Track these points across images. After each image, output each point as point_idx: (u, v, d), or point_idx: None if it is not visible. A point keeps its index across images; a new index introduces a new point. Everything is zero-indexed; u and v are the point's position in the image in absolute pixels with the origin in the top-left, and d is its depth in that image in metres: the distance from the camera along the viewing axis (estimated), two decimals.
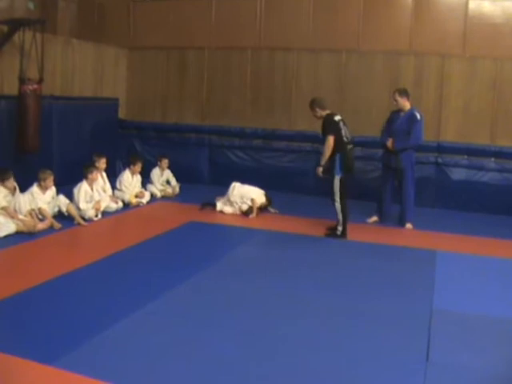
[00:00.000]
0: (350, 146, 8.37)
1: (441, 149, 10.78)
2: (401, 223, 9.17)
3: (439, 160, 10.76)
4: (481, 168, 10.60)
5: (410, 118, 8.94)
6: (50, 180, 8.26)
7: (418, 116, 8.94)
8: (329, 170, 8.21)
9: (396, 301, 5.87)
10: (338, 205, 8.24)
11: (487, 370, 4.40)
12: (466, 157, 10.72)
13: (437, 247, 7.88)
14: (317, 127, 10.94)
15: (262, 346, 4.62)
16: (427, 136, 10.68)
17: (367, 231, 8.79)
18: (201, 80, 12.37)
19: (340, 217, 8.28)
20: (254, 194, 9.45)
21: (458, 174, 10.66)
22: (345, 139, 8.22)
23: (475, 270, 7.08)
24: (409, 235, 8.62)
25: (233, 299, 5.70)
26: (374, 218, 9.37)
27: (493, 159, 10.58)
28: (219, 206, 9.55)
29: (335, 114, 8.38)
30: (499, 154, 10.55)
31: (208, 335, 4.76)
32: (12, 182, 7.89)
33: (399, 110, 9.05)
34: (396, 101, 9.03)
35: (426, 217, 9.94)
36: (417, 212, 9.60)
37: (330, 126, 8.23)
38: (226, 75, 12.18)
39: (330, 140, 8.10)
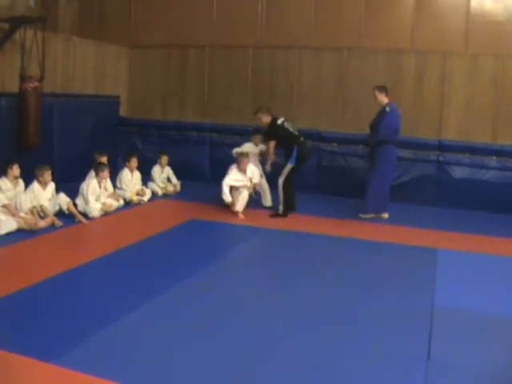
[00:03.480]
0: (302, 138, 9.47)
1: (442, 147, 10.76)
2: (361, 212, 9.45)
3: (441, 158, 10.74)
4: (482, 166, 10.58)
5: (381, 113, 9.16)
6: (48, 174, 8.26)
7: (388, 109, 9.12)
8: (275, 165, 9.63)
9: (397, 299, 5.86)
10: (280, 184, 9.30)
11: (488, 369, 4.40)
12: (467, 155, 10.69)
13: (438, 245, 7.87)
14: (318, 125, 11.01)
15: (262, 345, 4.62)
16: (428, 134, 10.77)
17: (366, 229, 8.78)
18: (202, 78, 12.37)
19: (281, 196, 9.31)
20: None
21: (459, 173, 10.63)
22: (295, 133, 9.45)
23: (477, 268, 7.07)
24: (410, 233, 8.60)
25: (233, 298, 5.71)
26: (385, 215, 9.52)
27: (494, 157, 10.54)
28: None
29: (278, 118, 9.59)
30: (501, 152, 10.53)
31: (208, 334, 4.76)
32: (17, 169, 8.03)
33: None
34: (375, 96, 9.27)
35: (428, 215, 9.97)
36: (417, 210, 9.62)
37: (273, 131, 9.54)
38: (227, 73, 12.17)
39: (271, 144, 9.52)
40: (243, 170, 9.20)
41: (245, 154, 9.33)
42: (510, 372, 4.37)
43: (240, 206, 9.12)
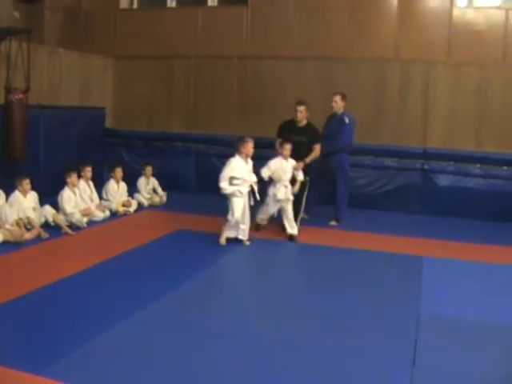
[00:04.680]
0: None
1: (427, 155, 10.84)
2: (331, 220, 9.52)
3: (425, 166, 10.82)
4: (467, 174, 10.67)
5: (340, 122, 9.22)
6: (27, 183, 8.24)
7: (347, 120, 9.21)
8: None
9: (383, 306, 5.90)
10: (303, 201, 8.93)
11: (474, 375, 4.43)
12: (452, 163, 10.79)
13: (424, 253, 7.92)
14: None
15: (247, 353, 4.63)
16: (413, 143, 10.83)
17: (351, 237, 8.82)
18: (187, 89, 12.40)
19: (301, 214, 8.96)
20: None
21: (444, 181, 10.72)
22: None
23: (462, 275, 7.13)
24: (396, 241, 8.65)
25: (221, 308, 5.74)
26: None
27: (478, 165, 10.65)
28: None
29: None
30: (485, 159, 10.63)
31: (196, 342, 4.76)
32: None
33: (334, 114, 9.34)
34: (336, 102, 9.29)
35: (413, 223, 10.02)
36: (403, 218, 9.68)
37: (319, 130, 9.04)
38: (212, 84, 12.20)
39: (318, 149, 8.83)
40: (246, 156, 7.96)
41: (249, 138, 8.12)
42: (496, 377, 4.40)
43: (225, 232, 8.05)
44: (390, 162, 10.89)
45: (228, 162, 7.94)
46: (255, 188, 8.01)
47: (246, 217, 8.00)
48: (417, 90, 11.09)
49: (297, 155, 8.45)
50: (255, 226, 8.68)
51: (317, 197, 9.65)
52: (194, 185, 12.09)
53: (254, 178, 8.09)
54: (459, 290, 6.49)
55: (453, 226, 9.87)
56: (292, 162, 8.41)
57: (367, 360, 4.61)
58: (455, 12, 10.96)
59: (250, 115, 11.80)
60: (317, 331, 5.18)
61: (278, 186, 8.33)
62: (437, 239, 8.83)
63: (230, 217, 7.90)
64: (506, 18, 10.76)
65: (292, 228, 8.42)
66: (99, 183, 9.95)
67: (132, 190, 10.44)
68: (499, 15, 10.80)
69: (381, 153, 11.00)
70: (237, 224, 7.95)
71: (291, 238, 8.39)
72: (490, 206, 10.36)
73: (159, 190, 10.88)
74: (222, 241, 7.96)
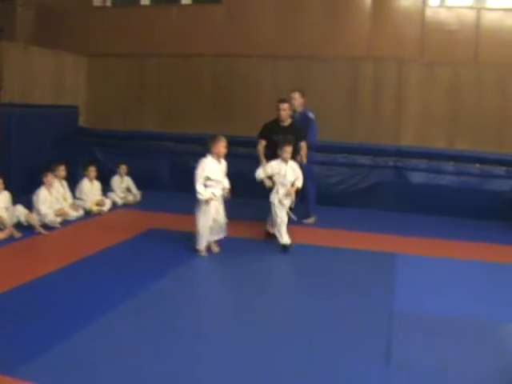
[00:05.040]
0: None
1: (400, 153, 10.92)
2: (303, 218, 9.36)
3: (398, 164, 10.90)
4: (439, 172, 10.78)
5: (303, 119, 9.14)
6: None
7: (311, 115, 9.21)
8: None
9: (357, 303, 5.93)
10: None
11: (448, 370, 4.48)
12: (425, 161, 10.88)
13: (397, 250, 7.98)
14: None
15: (223, 353, 4.63)
16: (386, 140, 10.90)
17: (325, 235, 8.85)
18: (161, 87, 12.36)
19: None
20: None
21: (417, 178, 10.81)
22: None
23: (435, 272, 7.19)
24: (369, 239, 8.70)
25: (192, 306, 5.72)
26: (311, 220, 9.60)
27: (451, 163, 10.76)
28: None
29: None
30: (457, 157, 10.75)
31: (169, 343, 4.75)
32: None
33: (293, 112, 9.13)
34: (295, 99, 9.16)
35: (386, 220, 10.07)
36: (376, 215, 9.75)
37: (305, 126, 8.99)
38: (186, 82, 12.18)
39: (304, 147, 8.67)
40: (217, 156, 7.37)
41: (220, 136, 7.45)
42: (469, 372, 4.46)
43: (203, 231, 7.42)
44: (363, 159, 10.97)
45: (200, 163, 7.32)
46: (227, 191, 7.47)
47: (218, 222, 7.42)
48: (390, 89, 11.18)
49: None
50: (266, 235, 8.27)
51: None
52: (169, 184, 12.05)
53: (226, 183, 7.48)
54: (432, 287, 6.54)
55: (426, 224, 9.95)
56: (292, 165, 7.85)
57: (341, 357, 4.63)
58: (428, 11, 11.07)
59: (224, 113, 11.81)
60: (291, 329, 5.20)
61: (280, 191, 7.75)
62: (410, 236, 8.90)
63: (200, 223, 7.40)
64: (478, 17, 10.89)
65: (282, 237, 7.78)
66: (73, 182, 9.86)
67: (106, 188, 10.38)
68: (471, 15, 10.92)
69: (354, 151, 11.07)
70: (203, 233, 7.38)
71: (284, 248, 7.74)
72: (462, 204, 10.46)
73: (133, 188, 10.84)
74: (203, 254, 7.46)
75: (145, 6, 12.79)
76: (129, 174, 10.86)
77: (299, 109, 9.22)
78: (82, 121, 12.65)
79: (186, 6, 12.53)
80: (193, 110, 12.12)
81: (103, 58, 12.64)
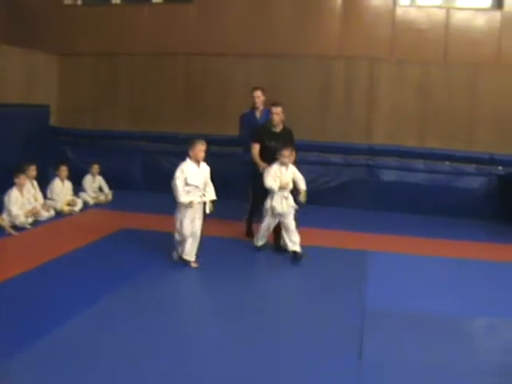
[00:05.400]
0: None
1: (372, 151, 11.00)
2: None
3: (370, 162, 10.98)
4: (411, 169, 10.88)
5: (266, 117, 8.85)
6: None
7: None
8: None
9: (328, 301, 5.98)
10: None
11: (420, 366, 4.54)
12: (396, 159, 10.97)
13: (368, 248, 8.04)
14: None
15: (192, 355, 4.62)
16: (358, 139, 10.98)
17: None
18: (133, 86, 12.30)
19: None
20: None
21: (388, 176, 10.90)
22: None
23: (406, 268, 7.28)
24: (340, 236, 8.74)
25: (164, 307, 5.68)
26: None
27: (422, 161, 10.87)
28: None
29: None
30: (428, 155, 10.87)
31: (139, 344, 4.73)
32: None
33: (253, 110, 9.12)
34: (258, 97, 9.07)
35: (358, 218, 10.13)
36: (348, 213, 9.81)
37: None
38: (158, 81, 12.14)
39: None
40: (196, 160, 6.92)
41: (199, 139, 7.03)
42: (440, 367, 4.51)
43: (190, 246, 6.91)
44: (335, 158, 11.03)
45: (178, 166, 6.89)
46: (207, 199, 6.94)
47: (196, 232, 6.92)
48: (361, 88, 11.26)
49: (272, 161, 7.59)
50: (257, 249, 7.74)
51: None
52: (140, 183, 11.98)
53: (211, 195, 7.04)
54: (404, 284, 6.61)
55: (397, 221, 10.03)
56: (293, 170, 7.54)
57: (314, 354, 4.66)
58: (398, 10, 11.17)
59: (196, 112, 11.80)
60: (264, 328, 5.21)
61: (275, 197, 7.37)
62: (382, 234, 8.98)
63: (178, 232, 6.91)
64: (447, 16, 11.02)
65: (294, 244, 7.33)
66: (44, 182, 9.77)
67: (78, 188, 10.31)
68: (440, 14, 11.05)
69: (326, 149, 11.12)
70: (183, 240, 6.90)
71: (295, 256, 7.28)
72: (433, 201, 10.57)
73: (105, 188, 10.78)
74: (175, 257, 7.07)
75: (116, 5, 12.74)
76: (101, 173, 10.79)
77: (261, 107, 9.20)
78: (53, 120, 12.52)
79: (158, 4, 12.50)
80: (165, 109, 12.08)
81: (74, 56, 12.52)
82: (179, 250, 6.99)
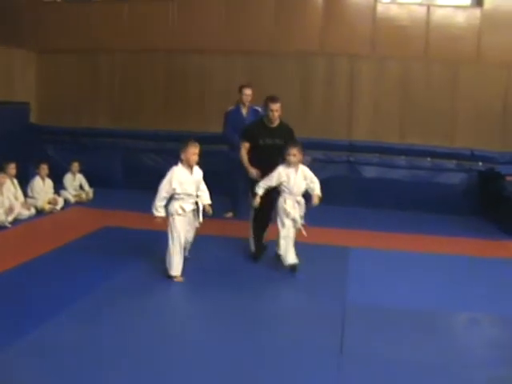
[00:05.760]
0: None
1: (352, 147, 11.04)
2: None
3: (351, 159, 11.02)
4: (391, 166, 10.93)
5: (255, 114, 9.14)
6: None
7: (261, 110, 9.09)
8: None
9: (310, 297, 5.99)
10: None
11: (401, 360, 4.56)
12: (377, 155, 11.03)
13: (350, 244, 8.06)
14: None
15: (179, 358, 4.58)
16: (339, 135, 11.01)
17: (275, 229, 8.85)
18: (113, 83, 12.23)
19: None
20: None
21: (369, 172, 10.94)
22: None
23: (387, 264, 7.30)
24: (322, 233, 8.74)
25: (148, 305, 5.65)
26: (230, 214, 9.60)
27: (403, 157, 10.93)
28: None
29: None
30: (409, 151, 10.93)
31: (121, 343, 4.72)
32: None
33: (239, 106, 9.26)
34: (249, 95, 9.23)
35: (339, 214, 10.12)
36: (329, 210, 9.78)
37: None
38: (138, 78, 12.09)
39: None
40: (188, 165, 6.31)
41: (191, 141, 6.31)
42: (421, 363, 4.54)
43: (175, 260, 6.26)
44: (316, 154, 11.00)
45: (168, 173, 6.28)
46: (200, 206, 6.36)
47: (188, 242, 6.56)
48: (342, 84, 11.29)
49: (269, 161, 6.91)
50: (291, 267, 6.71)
51: None
52: (121, 181, 11.90)
53: (205, 199, 6.46)
54: (385, 279, 6.63)
55: (378, 217, 10.06)
56: (304, 171, 6.76)
57: (295, 349, 4.67)
58: (379, 7, 11.21)
59: (176, 110, 11.78)
60: (245, 323, 5.22)
61: (287, 200, 6.66)
62: (363, 230, 9.01)
63: (170, 242, 6.28)
64: (428, 13, 11.08)
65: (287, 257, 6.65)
66: (25, 180, 9.70)
67: (59, 186, 10.24)
68: (421, 11, 11.11)
69: (307, 146, 11.05)
70: (174, 254, 6.26)
71: (293, 268, 6.66)
72: (414, 197, 10.63)
73: (86, 186, 10.71)
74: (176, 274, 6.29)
75: (96, 2, 12.61)
76: (81, 171, 10.73)
77: (248, 104, 9.24)
78: (33, 118, 12.44)
79: (138, 1, 12.38)
80: (146, 106, 12.03)
81: (54, 54, 12.40)
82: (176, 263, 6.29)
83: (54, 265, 6.73)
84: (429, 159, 10.96)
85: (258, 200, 6.68)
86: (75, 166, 10.64)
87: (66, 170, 10.64)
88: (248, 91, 9.18)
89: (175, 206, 6.21)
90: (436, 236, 8.91)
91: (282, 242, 6.66)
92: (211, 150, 10.77)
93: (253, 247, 7.29)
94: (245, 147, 7.29)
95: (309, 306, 5.76)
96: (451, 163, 10.90)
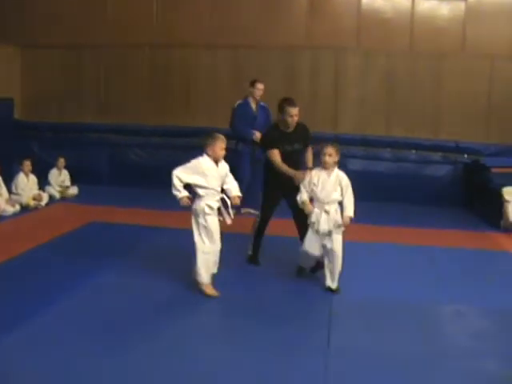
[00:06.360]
0: None
1: (338, 140, 10.95)
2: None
3: None
4: (377, 158, 10.97)
5: (267, 110, 9.31)
6: None
7: (265, 105, 9.36)
8: None
9: (294, 290, 6.01)
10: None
11: (387, 352, 4.58)
12: (362, 148, 11.05)
13: None
14: (215, 123, 11.00)
15: (145, 359, 4.51)
16: (325, 128, 11.00)
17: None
18: (98, 78, 12.14)
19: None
20: None
21: (355, 165, 10.91)
22: None
23: (373, 257, 7.32)
24: None
25: (134, 303, 5.61)
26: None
27: (388, 149, 10.95)
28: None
29: None
30: (394, 144, 10.96)
31: (106, 345, 4.69)
32: None
33: (247, 100, 9.28)
34: (261, 90, 9.30)
35: None
36: None
37: None
38: (123, 73, 12.01)
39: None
40: (214, 159, 5.73)
41: (218, 136, 5.76)
42: (407, 355, 4.55)
43: (202, 265, 5.69)
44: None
45: (191, 161, 5.74)
46: (228, 202, 5.77)
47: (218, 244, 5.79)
48: (327, 77, 11.29)
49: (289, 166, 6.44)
50: (297, 270, 6.40)
51: None
52: (107, 176, 11.84)
53: (235, 190, 5.88)
54: (370, 272, 6.64)
55: (364, 210, 9.94)
56: (341, 178, 5.92)
57: (281, 345, 4.67)
58: (364, 0, 11.18)
59: (161, 104, 11.74)
60: (225, 324, 5.25)
61: (315, 208, 5.88)
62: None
63: (199, 245, 5.68)
64: (413, 6, 11.08)
65: (333, 278, 5.94)
66: (9, 177, 9.63)
67: (44, 182, 10.19)
68: (406, 4, 11.12)
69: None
70: (215, 255, 5.74)
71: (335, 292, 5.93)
72: (400, 189, 10.65)
73: (71, 181, 10.66)
74: (209, 291, 5.69)
75: None
76: (67, 166, 10.67)
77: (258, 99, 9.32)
78: (17, 113, 12.35)
79: None
80: (131, 101, 11.95)
81: (38, 49, 12.30)
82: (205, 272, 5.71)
83: (39, 261, 6.68)
84: (414, 152, 11.01)
85: (310, 207, 5.87)
86: (61, 161, 10.58)
87: (50, 165, 10.58)
88: (261, 86, 9.26)
89: (201, 205, 5.64)
90: (421, 228, 8.95)
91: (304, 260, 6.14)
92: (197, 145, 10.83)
93: (250, 251, 6.86)
94: (276, 155, 6.48)
95: (294, 299, 5.76)
96: (436, 155, 10.96)
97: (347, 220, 5.80)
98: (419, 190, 10.65)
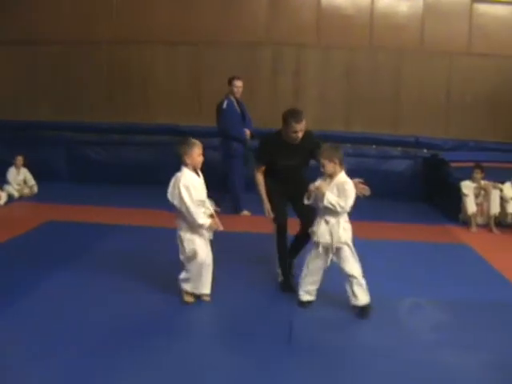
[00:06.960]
0: None
1: None
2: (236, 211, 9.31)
3: None
4: None
5: (244, 107, 9.35)
6: None
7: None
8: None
9: (255, 286, 6.01)
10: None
11: (348, 347, 4.64)
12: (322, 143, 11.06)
13: (294, 232, 8.04)
14: (176, 120, 10.97)
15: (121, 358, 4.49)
16: None
17: (251, 222, 8.88)
18: (55, 75, 11.88)
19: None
20: None
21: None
22: None
23: None
24: (267, 223, 8.71)
25: (93, 299, 5.56)
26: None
27: (348, 145, 11.00)
28: None
29: None
30: (354, 139, 11.04)
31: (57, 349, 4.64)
32: None
33: (229, 99, 9.22)
34: (240, 88, 9.27)
35: None
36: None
37: None
38: (80, 69, 11.79)
39: None
40: (193, 167, 5.36)
41: (194, 142, 5.37)
42: (368, 346, 4.63)
43: (204, 278, 5.47)
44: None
45: (176, 181, 5.27)
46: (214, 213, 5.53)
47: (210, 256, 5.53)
48: (288, 73, 11.32)
49: (289, 184, 6.04)
50: (298, 303, 5.53)
51: None
52: (65, 174, 11.69)
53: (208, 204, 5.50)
54: (330, 266, 6.65)
55: None
56: (340, 185, 5.39)
57: (243, 340, 4.70)
58: None
59: (119, 102, 11.61)
60: (193, 313, 5.24)
61: (318, 218, 5.40)
62: None
63: (186, 262, 5.47)
64: (372, 2, 11.15)
65: (355, 297, 5.34)
66: None
67: (1, 181, 10.04)
68: (365, 0, 11.15)
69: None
70: (201, 269, 5.43)
71: (362, 311, 5.31)
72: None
73: (31, 180, 10.49)
74: (188, 299, 5.49)
75: None
76: (25, 165, 10.51)
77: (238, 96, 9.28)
78: None
79: None
80: (88, 98, 11.77)
81: None
82: (189, 286, 5.50)
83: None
84: (374, 147, 11.11)
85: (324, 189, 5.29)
86: (19, 159, 10.41)
87: (7, 164, 10.40)
88: (239, 83, 9.15)
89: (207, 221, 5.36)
90: (381, 222, 9.03)
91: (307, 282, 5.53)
92: (156, 141, 10.81)
93: (280, 277, 6.06)
94: (260, 173, 6.00)
95: (256, 295, 5.77)
96: (396, 150, 11.09)
97: (317, 187, 5.26)
98: (379, 185, 10.58)
